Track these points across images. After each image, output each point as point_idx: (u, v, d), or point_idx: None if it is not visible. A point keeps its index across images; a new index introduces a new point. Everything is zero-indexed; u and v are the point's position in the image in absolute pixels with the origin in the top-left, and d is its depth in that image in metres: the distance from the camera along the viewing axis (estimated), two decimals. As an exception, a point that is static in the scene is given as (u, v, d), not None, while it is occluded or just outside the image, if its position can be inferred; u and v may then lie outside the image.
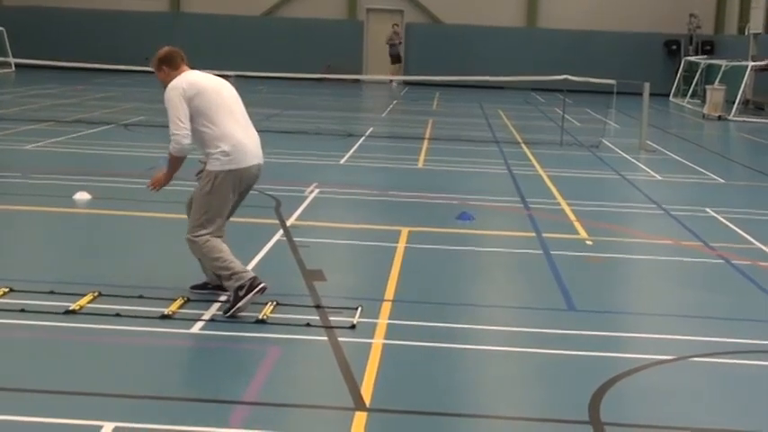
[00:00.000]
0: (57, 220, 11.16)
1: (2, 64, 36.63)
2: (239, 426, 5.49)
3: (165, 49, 7.89)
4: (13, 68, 37.39)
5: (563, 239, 10.85)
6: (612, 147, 20.22)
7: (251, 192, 8.02)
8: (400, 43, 39.17)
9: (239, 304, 7.37)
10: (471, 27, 40.07)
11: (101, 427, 5.34)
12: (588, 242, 10.81)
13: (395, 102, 31.58)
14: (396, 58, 39.19)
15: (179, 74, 7.68)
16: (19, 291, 7.81)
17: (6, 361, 6.48)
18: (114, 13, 40.86)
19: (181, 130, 7.48)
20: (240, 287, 7.41)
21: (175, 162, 7.69)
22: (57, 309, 7.41)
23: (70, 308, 7.41)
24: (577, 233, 11.27)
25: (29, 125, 19.96)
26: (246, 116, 7.78)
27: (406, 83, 39.19)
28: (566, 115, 22.50)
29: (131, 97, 28.47)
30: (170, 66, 7.75)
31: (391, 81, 38.69)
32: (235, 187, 7.58)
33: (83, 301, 7.59)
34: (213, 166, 7.51)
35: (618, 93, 24.25)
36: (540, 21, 40.56)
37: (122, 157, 16.26)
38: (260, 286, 7.41)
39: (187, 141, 7.53)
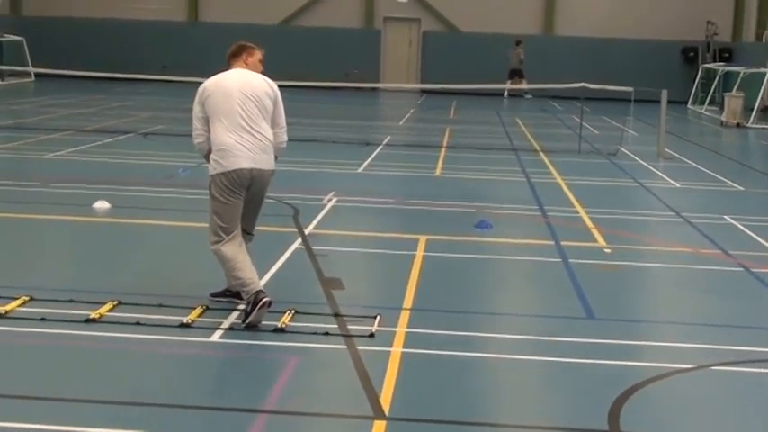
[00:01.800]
0: (76, 228, 11.21)
1: (21, 74, 36.86)
2: (259, 434, 5.50)
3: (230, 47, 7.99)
4: (33, 78, 37.60)
5: (581, 247, 10.84)
6: (630, 154, 20.18)
7: (268, 200, 8.04)
8: (521, 62, 38.16)
9: (249, 319, 7.38)
10: (488, 35, 40.06)
11: (121, 435, 5.36)
12: (606, 250, 10.79)
13: (412, 110, 31.60)
14: (517, 73, 38.11)
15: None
16: (39, 299, 7.85)
17: (27, 369, 6.51)
18: (132, 22, 41.03)
19: (194, 131, 7.80)
20: (248, 301, 7.44)
21: (208, 161, 7.82)
22: (77, 317, 7.44)
23: (90, 316, 7.45)
24: (595, 241, 11.25)
25: (48, 134, 20.07)
26: (257, 118, 7.65)
27: (423, 91, 39.20)
28: (583, 123, 22.46)
29: (150, 106, 28.57)
30: (227, 65, 7.92)
31: (526, 93, 37.88)
32: (230, 190, 7.57)
33: (103, 309, 7.63)
34: (209, 170, 7.68)
35: (635, 100, 24.19)
36: (557, 28, 40.52)
37: (141, 165, 16.32)
38: (262, 301, 7.37)
39: (197, 141, 7.79)
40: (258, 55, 7.98)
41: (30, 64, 36.42)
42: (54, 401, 5.91)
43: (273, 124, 7.81)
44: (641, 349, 7.50)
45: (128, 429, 5.43)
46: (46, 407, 5.83)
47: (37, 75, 36.89)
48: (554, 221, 12.29)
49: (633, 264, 10.31)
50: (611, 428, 5.79)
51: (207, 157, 7.81)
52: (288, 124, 8.11)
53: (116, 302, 7.81)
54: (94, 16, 41.22)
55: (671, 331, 7.98)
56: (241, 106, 7.59)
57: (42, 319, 7.37)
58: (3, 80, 36.25)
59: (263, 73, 7.93)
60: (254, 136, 7.60)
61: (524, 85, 35.80)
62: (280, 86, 8.04)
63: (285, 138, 7.96)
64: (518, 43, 38.10)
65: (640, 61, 38.40)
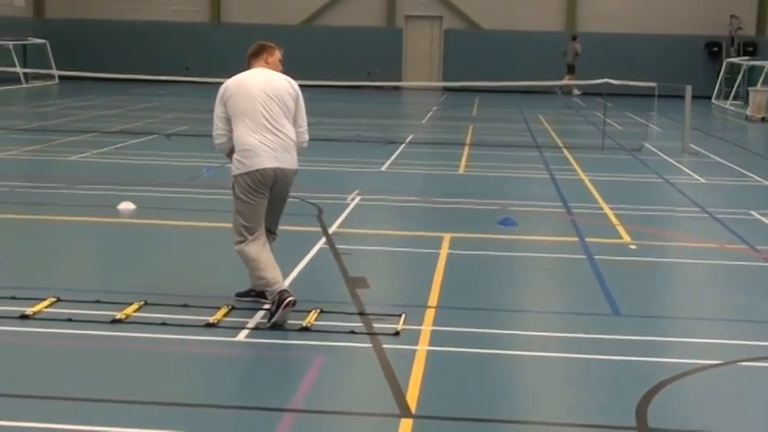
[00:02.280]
0: (101, 230, 11.26)
1: (45, 76, 37.07)
2: (286, 433, 5.51)
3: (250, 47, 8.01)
4: (56, 80, 37.80)
5: (606, 244, 10.80)
6: (655, 150, 20.09)
7: (292, 200, 8.04)
8: (576, 57, 37.89)
9: (274, 319, 7.39)
10: (510, 32, 39.98)
11: (149, 435, 5.38)
12: (632, 246, 10.75)
13: (434, 108, 31.57)
14: (571, 69, 37.84)
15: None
16: (66, 300, 7.89)
17: (54, 370, 6.54)
18: (155, 24, 41.19)
19: (214, 131, 7.82)
20: (272, 301, 7.45)
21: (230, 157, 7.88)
22: (103, 318, 7.47)
23: (116, 317, 7.48)
24: (620, 237, 11.21)
25: (72, 136, 20.17)
26: (280, 118, 7.65)
27: (445, 89, 39.16)
28: (607, 119, 22.37)
29: (173, 107, 28.67)
30: (247, 65, 7.93)
31: (574, 89, 37.66)
32: (253, 190, 7.57)
33: (129, 310, 7.66)
34: (232, 170, 7.68)
35: (659, 96, 24.06)
36: (579, 24, 40.38)
37: (165, 166, 16.38)
38: (287, 301, 7.38)
39: (219, 141, 7.82)
40: (278, 54, 7.99)
41: (53, 66, 36.63)
42: (81, 402, 5.94)
43: (295, 124, 7.81)
44: (668, 345, 7.46)
45: (155, 429, 5.45)
46: (73, 407, 5.85)
47: (60, 77, 37.10)
48: (578, 218, 12.25)
49: (659, 260, 10.27)
50: (638, 425, 5.77)
51: (229, 156, 7.83)
52: (310, 124, 8.11)
53: (142, 303, 7.84)
54: (117, 18, 41.42)
55: (698, 327, 7.94)
56: (264, 106, 7.59)
57: (69, 320, 7.41)
58: (27, 83, 36.46)
59: (283, 72, 7.93)
60: (277, 135, 7.61)
61: (566, 81, 35.45)
62: (302, 86, 8.05)
63: (306, 137, 7.97)
64: (574, 38, 37.89)
65: (663, 56, 38.23)
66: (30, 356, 6.79)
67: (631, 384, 6.45)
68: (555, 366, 6.96)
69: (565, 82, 35.44)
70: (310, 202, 12.44)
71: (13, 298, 7.91)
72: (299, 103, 7.83)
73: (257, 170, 7.53)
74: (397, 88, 39.76)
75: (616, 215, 12.50)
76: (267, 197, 7.66)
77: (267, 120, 7.59)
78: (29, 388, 6.13)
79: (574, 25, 40.35)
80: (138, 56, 39.44)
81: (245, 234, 7.64)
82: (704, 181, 16.09)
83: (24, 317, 7.46)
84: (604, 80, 21.93)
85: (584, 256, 10.15)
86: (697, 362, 6.96)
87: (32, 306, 7.67)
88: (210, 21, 41.93)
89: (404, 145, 20.35)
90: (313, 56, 38.04)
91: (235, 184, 7.65)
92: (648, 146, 20.73)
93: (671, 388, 6.43)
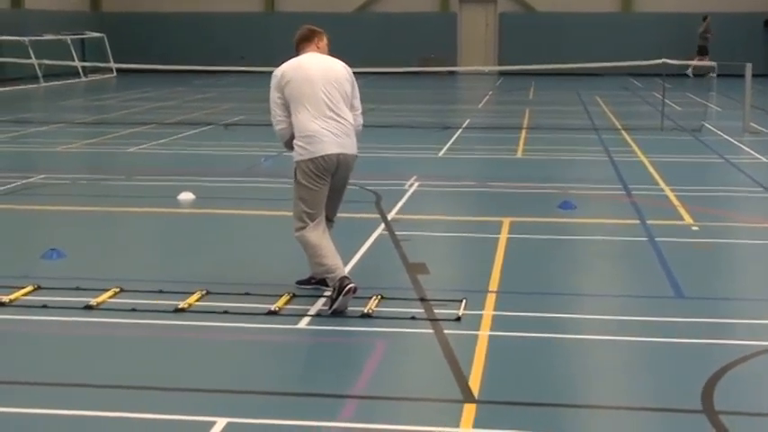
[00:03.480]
0: (162, 220, 11.36)
1: (103, 70, 37.46)
2: (349, 419, 5.51)
3: (297, 32, 7.96)
4: (114, 73, 38.18)
5: (667, 225, 10.68)
6: (715, 130, 19.83)
7: (350, 187, 8.04)
8: (710, 35, 37.36)
9: (334, 306, 7.40)
10: (565, 14, 39.67)
11: (213, 422, 5.41)
12: (694, 228, 10.62)
13: (490, 93, 31.43)
14: (703, 50, 37.41)
15: (297, 56, 7.83)
16: (129, 290, 7.97)
17: (119, 359, 6.62)
18: (210, 15, 41.45)
19: (273, 118, 7.79)
20: (333, 287, 7.46)
21: (288, 147, 7.90)
22: (166, 307, 7.54)
23: (179, 306, 7.54)
24: (682, 219, 11.08)
25: (131, 128, 20.37)
26: (341, 104, 7.65)
27: (501, 73, 38.96)
28: (665, 100, 22.10)
29: (229, 97, 28.84)
30: (295, 49, 7.93)
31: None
32: (315, 176, 7.57)
33: (191, 299, 7.72)
34: (294, 156, 7.66)
35: (718, 75, 23.77)
36: (635, 5, 39.94)
37: (223, 156, 16.49)
38: (347, 287, 7.37)
39: (278, 128, 7.78)
40: (326, 39, 7.99)
41: (111, 60, 36.99)
42: (145, 390, 5.99)
43: (351, 107, 7.81)
44: (733, 327, 7.36)
45: (221, 416, 5.49)
46: (137, 396, 5.91)
47: (118, 70, 37.46)
48: (639, 200, 12.13)
49: (722, 241, 10.14)
50: (705, 409, 5.70)
51: (288, 143, 7.83)
52: (365, 111, 8.11)
53: (204, 292, 7.90)
54: (172, 10, 41.74)
55: (763, 309, 7.82)
56: (325, 93, 7.59)
57: (133, 310, 7.49)
58: (85, 77, 36.86)
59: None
60: (338, 121, 7.61)
61: (696, 62, 34.71)
62: (356, 73, 8.04)
63: (361, 120, 7.96)
64: (704, 18, 37.36)
65: (722, 35, 37.63)
66: (94, 346, 6.87)
67: (696, 367, 6.37)
68: (618, 350, 6.90)
69: (695, 63, 34.64)
70: (368, 189, 12.45)
71: (78, 288, 8.01)
72: (354, 88, 7.84)
73: (321, 156, 7.53)
74: (452, 73, 39.63)
75: (677, 196, 12.35)
76: (329, 183, 7.67)
77: (328, 106, 7.58)
78: (94, 378, 6.20)
79: (630, 6, 39.92)
80: (194, 47, 39.71)
81: (307, 220, 7.65)
82: (766, 160, 15.84)
83: (89, 307, 7.55)
84: (662, 60, 21.66)
85: (645, 239, 10.05)
86: (763, 344, 6.85)
87: (96, 297, 7.76)
88: (265, 10, 42.09)
89: (460, 130, 20.29)
90: (367, 43, 38.04)
91: (297, 170, 7.64)
92: (708, 126, 20.47)
93: (737, 371, 6.34)
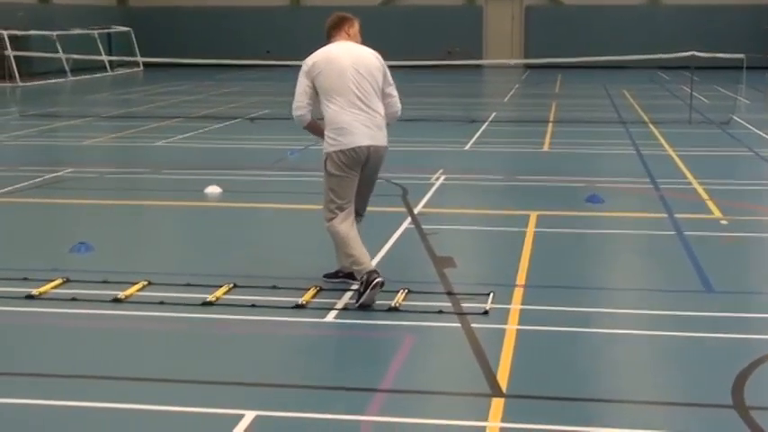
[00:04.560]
0: (189, 213, 11.39)
1: (130, 63, 37.63)
2: (377, 413, 5.51)
3: (327, 19, 7.94)
4: (141, 67, 38.33)
5: (696, 219, 10.61)
6: (744, 123, 19.68)
7: (377, 180, 8.02)
8: None
9: (362, 300, 7.39)
10: (592, 7, 39.50)
11: (242, 415, 5.42)
12: (723, 221, 10.55)
13: (516, 86, 31.34)
14: None
15: (328, 44, 7.79)
16: (157, 284, 8.00)
17: (148, 352, 6.64)
18: (236, 9, 41.54)
19: (294, 103, 7.72)
20: (360, 281, 7.45)
21: (309, 131, 7.93)
22: (194, 300, 7.56)
23: (207, 299, 7.55)
24: (711, 212, 11.00)
25: (158, 122, 20.45)
26: (372, 96, 7.62)
27: (527, 66, 38.84)
28: (693, 92, 21.96)
29: (255, 91, 28.89)
30: (326, 37, 7.89)
31: None
32: (346, 167, 7.56)
33: (219, 292, 7.73)
34: (324, 147, 7.65)
35: (747, 67, 23.57)
36: (662, -3, 39.71)
37: (250, 150, 16.51)
38: (375, 282, 7.35)
39: (298, 114, 7.72)
40: (357, 25, 7.94)
41: (138, 54, 37.14)
42: (175, 383, 6.01)
43: (386, 95, 7.77)
44: (763, 322, 7.30)
45: (250, 409, 5.49)
46: (168, 388, 5.93)
47: (145, 64, 37.63)
48: (667, 194, 12.06)
49: (751, 235, 10.06)
50: (735, 404, 5.66)
51: (311, 129, 7.82)
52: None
53: (231, 285, 7.91)
54: (198, 4, 41.86)
55: (794, 303, 7.76)
56: (356, 85, 7.56)
57: (161, 303, 7.51)
58: (112, 70, 37.03)
59: (362, 43, 7.89)
60: (369, 114, 7.58)
61: None
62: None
63: (399, 105, 7.95)
64: None
65: (751, 27, 37.38)
66: (122, 339, 6.89)
67: (726, 362, 6.32)
68: (647, 344, 6.85)
69: None
70: (395, 183, 12.43)
71: (106, 282, 8.05)
72: (386, 75, 7.78)
73: (352, 148, 7.52)
74: (477, 67, 39.53)
75: (705, 190, 12.27)
76: (359, 174, 7.66)
77: (359, 98, 7.55)
78: (122, 370, 6.22)
79: (657, -2, 39.69)
80: (220, 41, 39.82)
81: (336, 211, 7.63)
82: (796, 153, 15.73)
83: (117, 300, 7.58)
84: (691, 53, 21.52)
85: (673, 233, 9.99)
86: (794, 338, 6.80)
87: (125, 290, 7.79)
88: (291, 4, 42.12)
89: (487, 123, 20.24)
90: (392, 36, 37.99)
91: (327, 161, 7.62)
92: (737, 119, 20.32)
93: (767, 366, 6.29)
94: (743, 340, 6.82)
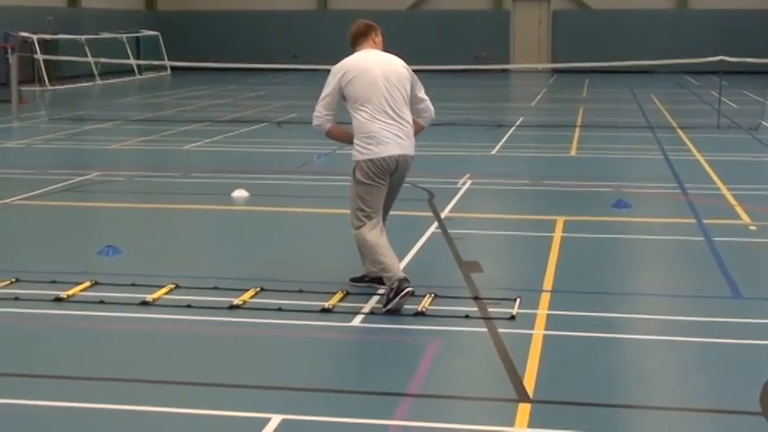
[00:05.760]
0: (217, 217, 11.43)
1: (158, 67, 37.80)
2: (404, 418, 5.50)
3: (352, 27, 7.95)
4: (169, 71, 38.50)
5: (724, 225, 10.55)
6: (772, 128, 19.56)
7: (403, 184, 8.02)
8: None
9: (390, 306, 7.38)
10: (620, 12, 39.38)
11: (269, 419, 5.43)
12: (752, 227, 10.48)
13: (544, 90, 31.27)
14: None
15: (355, 52, 7.79)
16: (184, 287, 8.03)
17: (175, 355, 6.67)
18: (263, 13, 41.66)
19: (316, 111, 7.76)
20: (390, 287, 7.44)
21: (331, 138, 7.97)
22: (221, 304, 7.58)
23: (234, 303, 7.58)
24: (739, 218, 10.94)
25: (186, 126, 20.53)
26: (402, 105, 7.64)
27: (554, 71, 38.75)
28: (722, 98, 21.84)
29: (282, 95, 28.97)
30: (351, 45, 7.89)
31: None
32: (375, 176, 7.56)
33: (246, 296, 7.75)
34: (353, 155, 7.65)
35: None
36: (691, 1, 39.51)
37: (277, 154, 16.55)
38: (405, 290, 7.33)
39: (316, 123, 7.78)
40: (381, 34, 7.96)
41: (165, 58, 37.32)
42: (202, 386, 6.03)
43: (418, 99, 7.81)
44: (792, 329, 7.25)
45: (276, 413, 5.50)
46: (194, 392, 5.95)
47: (173, 68, 37.80)
48: (695, 199, 12.00)
49: (780, 241, 9.99)
50: (764, 411, 5.62)
51: (332, 136, 7.86)
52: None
53: (258, 289, 7.93)
54: (226, 9, 42.01)
55: (823, 310, 7.70)
56: (387, 93, 7.56)
57: (188, 306, 7.54)
58: (141, 74, 37.21)
59: (385, 50, 7.90)
60: (399, 123, 7.59)
61: None
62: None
63: (432, 109, 8.00)
64: None
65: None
66: (150, 342, 6.93)
67: (754, 369, 6.29)
68: (674, 350, 6.82)
69: None
70: (421, 187, 12.43)
71: (134, 285, 8.09)
72: (415, 82, 7.79)
73: (383, 158, 7.52)
74: (504, 71, 39.48)
75: (734, 195, 12.20)
76: (388, 183, 7.66)
77: (390, 106, 7.56)
78: (149, 373, 6.25)
79: (685, 3, 39.51)
80: (247, 45, 39.96)
81: (364, 219, 7.63)
82: (826, 159, 15.62)
83: (145, 303, 7.62)
84: (720, 58, 21.39)
85: (701, 238, 9.94)
86: (823, 345, 6.75)
87: (152, 293, 7.82)
88: (318, 8, 42.21)
89: (513, 128, 20.21)
90: (419, 41, 38.02)
91: (356, 170, 7.62)
92: (766, 124, 20.19)
93: (796, 372, 6.25)
94: (771, 347, 6.77)
